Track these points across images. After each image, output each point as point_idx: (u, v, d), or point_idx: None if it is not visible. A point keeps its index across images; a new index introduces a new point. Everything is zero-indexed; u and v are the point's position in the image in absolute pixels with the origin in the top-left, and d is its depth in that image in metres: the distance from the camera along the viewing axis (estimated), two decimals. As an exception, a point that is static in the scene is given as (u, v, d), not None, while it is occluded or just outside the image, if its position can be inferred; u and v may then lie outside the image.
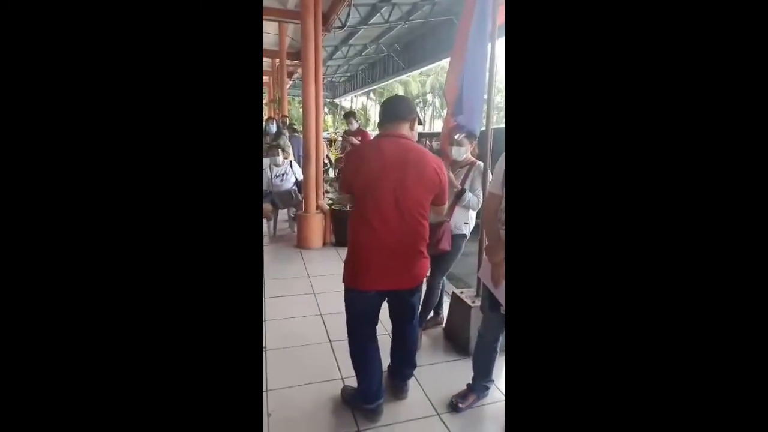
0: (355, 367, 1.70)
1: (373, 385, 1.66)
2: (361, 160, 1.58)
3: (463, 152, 2.20)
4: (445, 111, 2.42)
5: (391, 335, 1.84)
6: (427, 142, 7.52)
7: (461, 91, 2.17)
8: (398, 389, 1.83)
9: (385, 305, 1.71)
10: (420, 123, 1.66)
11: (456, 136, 2.18)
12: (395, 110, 1.59)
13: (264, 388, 1.85)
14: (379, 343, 1.72)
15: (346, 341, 1.73)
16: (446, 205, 1.70)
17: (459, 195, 2.15)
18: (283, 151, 4.49)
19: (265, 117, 7.15)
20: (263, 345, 2.21)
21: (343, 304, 1.68)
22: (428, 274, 1.73)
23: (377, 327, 1.71)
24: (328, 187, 4.71)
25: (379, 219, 1.50)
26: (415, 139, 1.65)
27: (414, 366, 1.86)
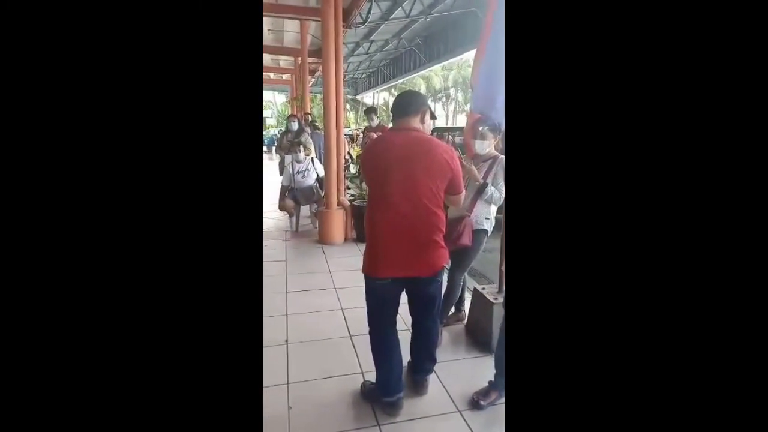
0: (375, 359, 1.71)
1: (393, 377, 1.66)
2: (372, 155, 1.66)
3: (486, 146, 2.15)
4: (468, 105, 2.37)
5: (411, 330, 1.83)
6: (450, 136, 7.44)
7: (479, 85, 2.12)
8: (418, 385, 1.82)
9: (405, 300, 1.71)
10: (433, 117, 1.68)
11: (480, 129, 2.14)
12: (405, 104, 1.62)
13: (285, 381, 1.88)
14: (399, 336, 1.71)
15: (366, 336, 1.74)
16: (463, 194, 1.69)
17: (481, 189, 2.11)
18: (305, 148, 4.53)
19: (288, 114, 7.23)
20: (285, 338, 2.25)
21: (363, 299, 1.69)
22: (447, 265, 1.71)
23: (397, 321, 1.71)
24: (350, 183, 4.74)
25: (391, 210, 1.54)
26: (429, 131, 1.67)
27: (434, 361, 1.84)
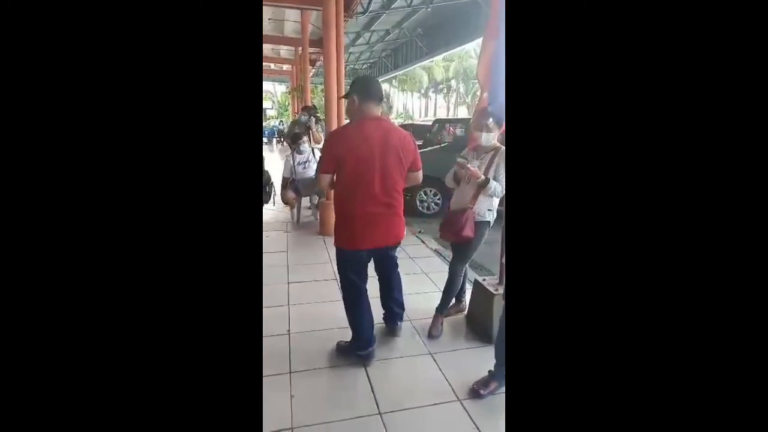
0: (350, 319, 1.97)
1: (366, 334, 1.94)
2: (349, 142, 1.79)
3: (492, 138, 2.15)
4: (470, 97, 2.37)
5: (379, 290, 2.14)
6: (451, 128, 7.41)
7: (494, 77, 2.12)
8: (393, 330, 2.19)
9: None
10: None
11: (485, 122, 2.13)
12: (375, 91, 1.81)
13: (288, 370, 1.90)
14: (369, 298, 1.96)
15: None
16: (420, 171, 1.95)
17: (483, 185, 2.11)
18: (309, 134, 4.50)
19: (288, 105, 7.16)
20: (287, 328, 2.27)
21: None
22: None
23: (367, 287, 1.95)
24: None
25: (370, 194, 1.77)
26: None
27: (403, 307, 2.20)
